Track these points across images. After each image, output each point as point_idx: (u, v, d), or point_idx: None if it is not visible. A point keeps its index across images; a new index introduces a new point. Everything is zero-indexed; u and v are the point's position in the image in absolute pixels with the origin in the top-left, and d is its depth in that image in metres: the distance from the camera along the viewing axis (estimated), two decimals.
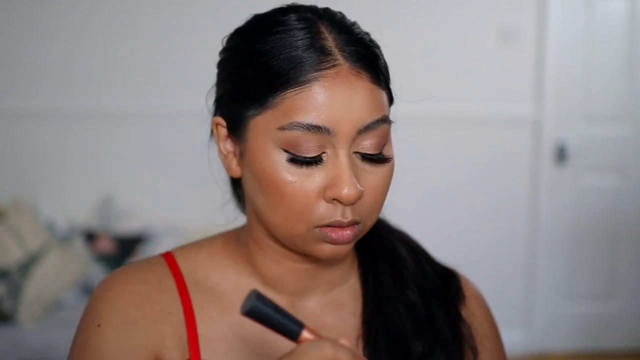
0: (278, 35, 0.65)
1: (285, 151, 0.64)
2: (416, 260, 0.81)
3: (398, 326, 0.75)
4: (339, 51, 0.65)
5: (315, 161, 0.64)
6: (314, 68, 0.64)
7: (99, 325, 0.70)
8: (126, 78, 2.99)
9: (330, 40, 0.65)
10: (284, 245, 0.71)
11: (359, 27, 0.70)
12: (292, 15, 0.67)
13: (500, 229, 3.19)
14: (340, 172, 0.64)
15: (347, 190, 0.63)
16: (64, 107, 2.97)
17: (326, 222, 0.65)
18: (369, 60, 0.66)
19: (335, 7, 0.72)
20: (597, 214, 3.21)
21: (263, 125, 0.65)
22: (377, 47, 0.70)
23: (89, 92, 2.99)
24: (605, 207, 3.21)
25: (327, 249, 0.67)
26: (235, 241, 0.77)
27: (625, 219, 3.22)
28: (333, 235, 0.66)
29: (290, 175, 0.64)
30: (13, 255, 2.47)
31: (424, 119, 2.98)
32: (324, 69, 0.64)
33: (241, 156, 0.69)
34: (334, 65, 0.64)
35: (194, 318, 0.71)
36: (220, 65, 0.72)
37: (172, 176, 2.98)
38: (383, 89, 0.68)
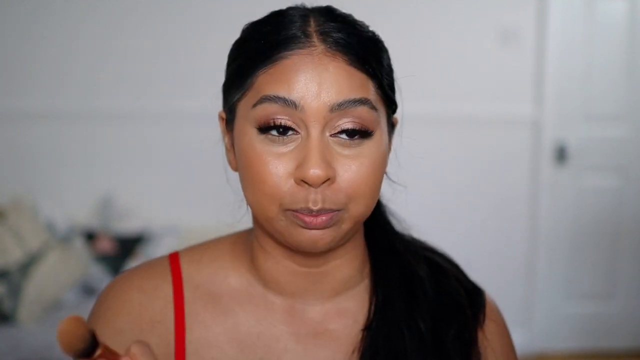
0: (269, 26, 0.67)
1: (258, 129, 0.64)
2: (436, 280, 0.78)
3: (400, 349, 0.73)
4: (317, 35, 0.65)
5: (289, 141, 0.64)
6: (287, 47, 0.65)
7: None
8: (126, 78, 2.99)
9: (312, 26, 0.66)
10: (284, 245, 0.71)
11: (360, 24, 0.69)
12: (289, 10, 0.69)
13: (500, 229, 3.19)
14: (309, 151, 0.63)
15: (313, 171, 0.62)
16: (64, 107, 2.97)
17: (295, 207, 0.64)
18: (351, 46, 0.66)
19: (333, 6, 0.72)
20: (597, 214, 3.21)
21: (242, 108, 0.67)
22: (378, 42, 0.70)
23: (89, 92, 2.99)
24: (605, 207, 3.21)
25: (303, 236, 0.65)
26: (243, 243, 0.77)
27: (625, 219, 3.22)
28: (306, 219, 0.64)
29: (263, 154, 0.64)
30: (13, 255, 2.47)
31: (424, 120, 2.98)
32: (297, 48, 0.64)
33: (233, 146, 0.71)
34: (309, 47, 0.65)
35: (184, 325, 0.72)
36: (227, 63, 0.74)
37: (172, 176, 2.98)
38: (369, 77, 0.66)
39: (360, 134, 0.65)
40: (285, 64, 0.64)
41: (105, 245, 2.73)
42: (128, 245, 2.73)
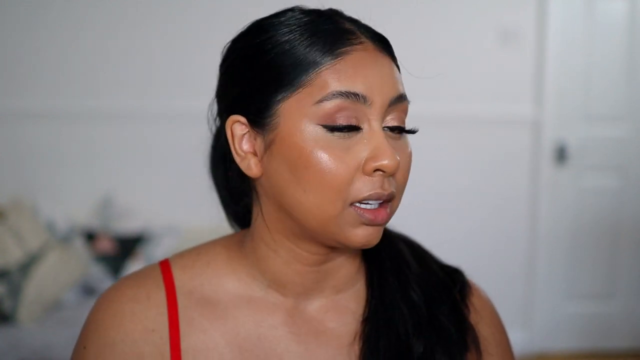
0: (293, 27, 0.67)
1: (324, 126, 0.64)
2: (419, 260, 0.81)
3: (400, 327, 0.74)
4: (360, 32, 0.68)
5: (353, 134, 0.65)
6: (344, 44, 0.66)
7: (84, 347, 0.71)
8: (126, 78, 2.99)
9: (347, 24, 0.68)
10: (298, 246, 0.71)
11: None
12: (296, 11, 0.70)
13: (500, 229, 3.19)
14: (380, 143, 0.65)
15: (388, 161, 0.64)
16: (64, 107, 2.97)
17: (365, 194, 0.65)
18: (386, 42, 0.70)
19: (332, 6, 0.73)
20: (597, 214, 3.21)
21: (297, 105, 0.65)
22: None
23: (89, 92, 2.99)
24: (605, 207, 3.21)
25: (360, 233, 0.66)
26: (237, 247, 0.76)
27: (625, 219, 3.22)
28: (369, 216, 0.65)
29: (331, 150, 0.64)
30: (13, 255, 2.47)
31: (424, 120, 2.97)
32: (353, 44, 0.66)
33: (267, 149, 0.68)
34: (361, 42, 0.67)
35: (179, 332, 0.72)
36: (234, 65, 0.71)
37: (172, 176, 2.98)
38: (399, 74, 0.70)
39: (403, 129, 0.69)
40: (349, 60, 0.65)
41: (105, 245, 2.73)
42: (128, 245, 2.73)
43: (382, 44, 0.69)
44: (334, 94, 0.64)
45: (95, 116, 2.99)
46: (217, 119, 0.77)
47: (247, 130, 0.69)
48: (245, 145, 0.69)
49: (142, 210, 2.93)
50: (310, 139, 0.64)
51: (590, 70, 3.14)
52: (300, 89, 0.65)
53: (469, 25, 3.10)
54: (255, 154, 0.69)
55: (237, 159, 0.70)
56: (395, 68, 0.69)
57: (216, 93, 0.75)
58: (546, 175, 3.17)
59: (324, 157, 0.64)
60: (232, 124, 0.69)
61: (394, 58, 0.70)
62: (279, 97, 0.66)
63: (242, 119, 0.69)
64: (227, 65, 0.72)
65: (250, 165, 0.69)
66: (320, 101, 0.64)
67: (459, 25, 3.10)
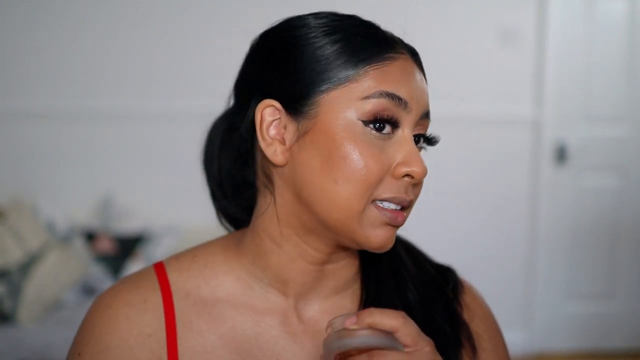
0: (337, 25, 0.69)
1: (364, 122, 0.65)
2: (414, 260, 0.81)
3: None
4: (400, 44, 0.70)
5: (388, 137, 0.67)
6: (391, 50, 0.68)
7: (79, 354, 0.70)
8: (126, 78, 2.99)
9: (389, 34, 0.70)
10: (305, 242, 0.71)
11: None
12: (335, 14, 0.71)
13: (500, 229, 3.19)
14: (412, 149, 0.68)
15: (418, 169, 0.67)
16: (64, 107, 2.97)
17: (387, 195, 0.66)
18: (419, 58, 0.72)
19: (332, 8, 0.72)
20: (597, 214, 3.21)
21: (341, 99, 0.66)
22: None
23: (89, 92, 2.99)
24: (605, 207, 3.21)
25: (380, 234, 0.67)
26: (234, 247, 0.76)
27: (625, 219, 3.22)
28: (392, 214, 0.67)
29: (369, 146, 0.65)
30: (13, 255, 2.47)
31: None
32: (399, 52, 0.68)
33: (299, 138, 0.67)
34: (402, 54, 0.69)
35: (176, 335, 0.71)
36: (274, 51, 0.70)
37: (172, 176, 2.98)
38: None
39: (427, 141, 0.73)
40: (396, 65, 0.67)
41: (105, 245, 2.73)
42: (128, 245, 2.73)
43: (417, 60, 0.71)
44: (380, 93, 0.65)
45: (95, 116, 2.99)
46: (234, 103, 0.76)
47: (278, 116, 0.68)
48: (272, 132, 0.69)
49: (142, 210, 2.93)
50: (350, 132, 0.65)
51: (590, 70, 3.14)
52: (347, 84, 0.66)
53: (469, 25, 3.10)
54: (281, 141, 0.69)
55: (263, 145, 0.69)
56: (426, 84, 0.71)
57: (244, 77, 0.73)
58: (546, 175, 3.17)
59: (362, 151, 0.65)
60: (264, 108, 0.69)
61: (424, 74, 0.72)
62: (324, 88, 0.66)
63: (277, 104, 0.68)
64: (265, 51, 0.71)
65: (276, 152, 0.68)
66: (367, 98, 0.65)
67: (459, 25, 3.10)
